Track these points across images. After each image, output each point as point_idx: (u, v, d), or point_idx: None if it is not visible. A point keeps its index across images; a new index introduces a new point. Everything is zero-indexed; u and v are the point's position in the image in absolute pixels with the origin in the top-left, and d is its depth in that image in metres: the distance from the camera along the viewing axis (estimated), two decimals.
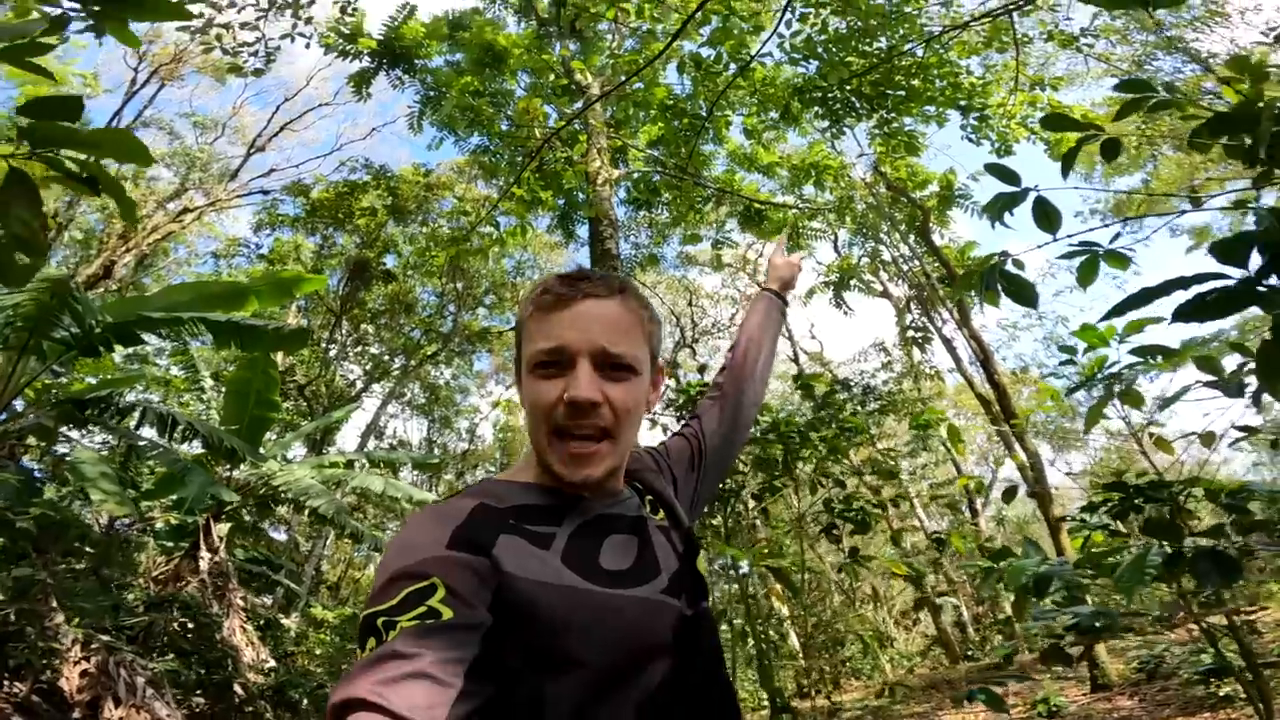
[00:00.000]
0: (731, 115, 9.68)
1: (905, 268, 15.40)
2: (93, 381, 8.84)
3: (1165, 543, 2.10)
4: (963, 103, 7.68)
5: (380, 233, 16.47)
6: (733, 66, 7.37)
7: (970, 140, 8.10)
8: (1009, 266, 1.82)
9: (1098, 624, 2.24)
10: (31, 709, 4.27)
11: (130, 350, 10.93)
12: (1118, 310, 1.31)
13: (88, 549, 5.75)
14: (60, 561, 5.17)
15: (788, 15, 6.08)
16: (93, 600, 4.98)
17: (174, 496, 7.28)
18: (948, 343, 14.99)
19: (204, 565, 7.06)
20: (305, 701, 6.83)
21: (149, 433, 6.86)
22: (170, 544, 8.18)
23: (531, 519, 0.89)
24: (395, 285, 17.39)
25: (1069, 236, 1.76)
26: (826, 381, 7.25)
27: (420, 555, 0.78)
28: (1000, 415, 10.28)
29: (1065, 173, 1.72)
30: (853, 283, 13.27)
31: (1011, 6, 5.60)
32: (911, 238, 13.34)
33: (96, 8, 1.23)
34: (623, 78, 7.96)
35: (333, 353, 17.95)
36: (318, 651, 10.38)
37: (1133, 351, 2.43)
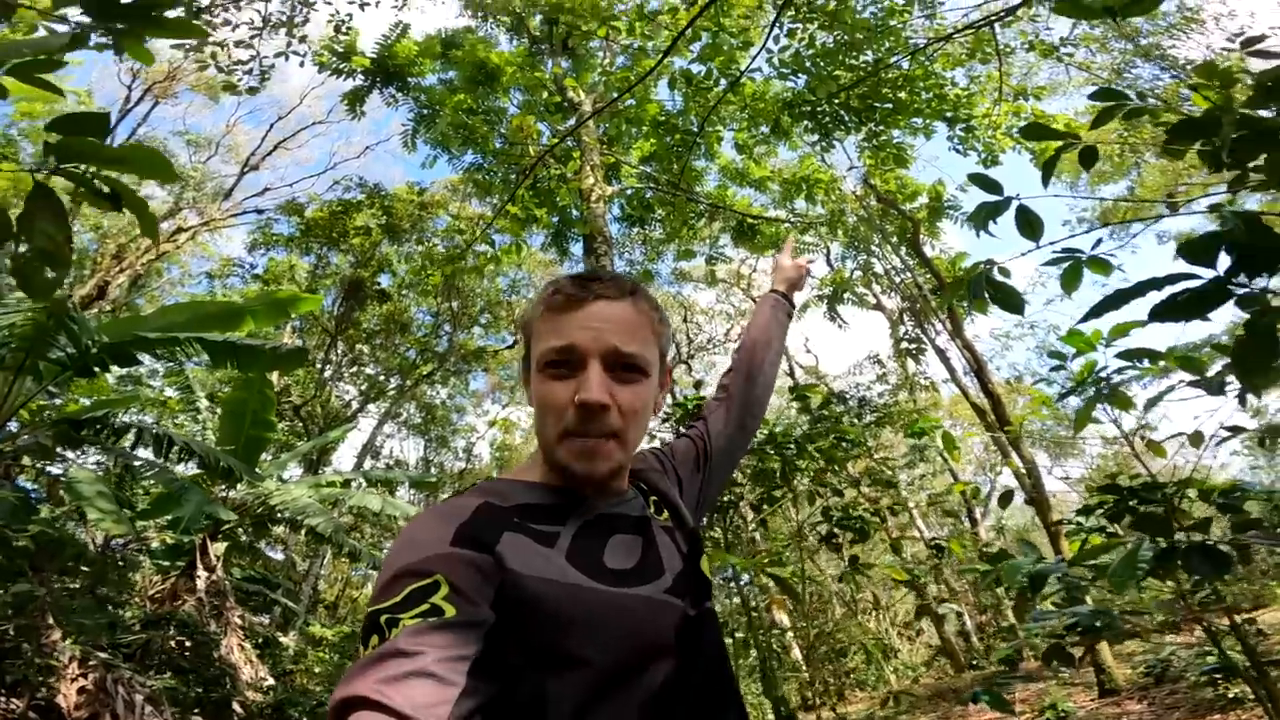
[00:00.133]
0: (723, 130, 9.76)
1: (897, 280, 15.50)
2: (87, 403, 8.81)
3: (1157, 539, 2.13)
4: (949, 114, 7.79)
5: (375, 252, 16.45)
6: (723, 82, 7.46)
7: (958, 151, 8.21)
8: (995, 274, 1.86)
9: (1097, 623, 2.26)
10: None
11: (124, 371, 10.90)
12: (1094, 312, 1.35)
13: (84, 568, 5.72)
14: (56, 580, 5.15)
15: (776, 31, 6.17)
16: (90, 617, 4.96)
17: (170, 516, 7.25)
18: (941, 353, 15.09)
19: (201, 584, 7.01)
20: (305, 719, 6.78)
21: (145, 453, 6.85)
22: (166, 563, 8.12)
23: (536, 518, 0.89)
24: (390, 305, 17.34)
25: (1051, 243, 1.81)
26: (822, 393, 7.27)
27: (424, 552, 0.78)
28: (995, 424, 10.33)
29: (1046, 181, 1.77)
30: (846, 296, 13.33)
31: (993, 18, 5.70)
32: (903, 250, 13.42)
33: (119, 25, 1.26)
34: (615, 94, 8.05)
35: (328, 373, 17.90)
36: (317, 670, 10.28)
37: (1119, 355, 2.47)
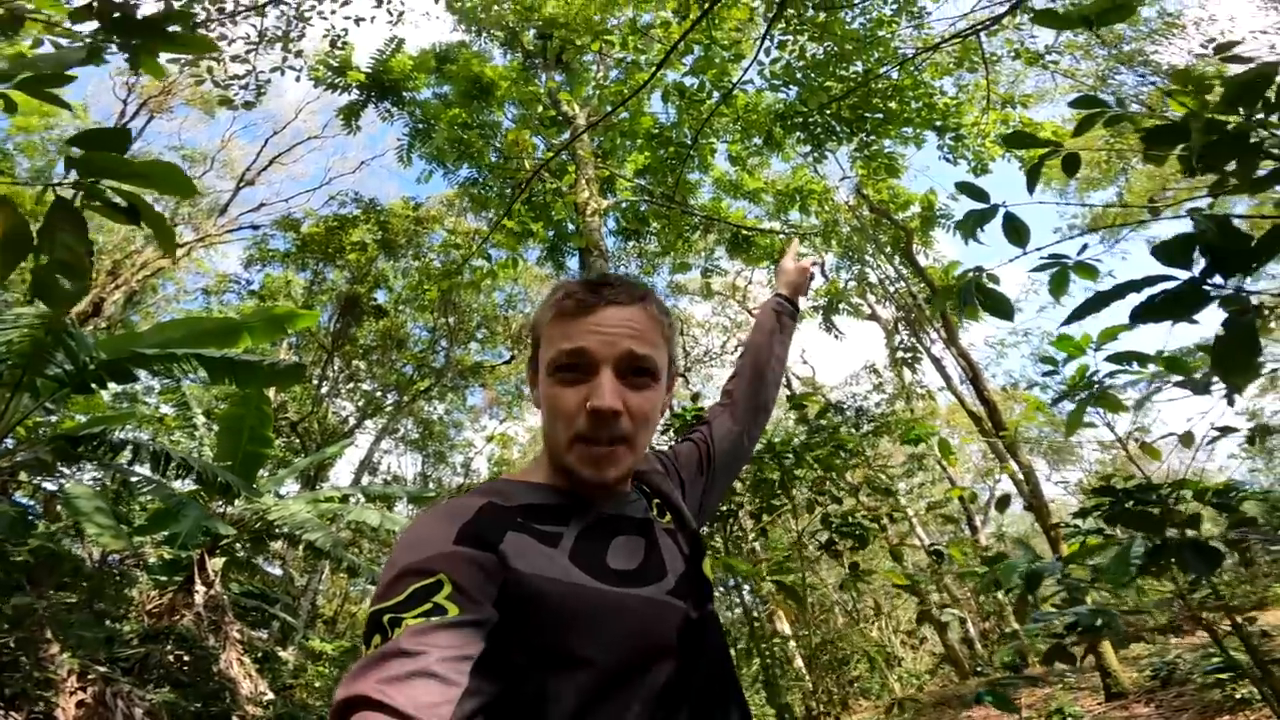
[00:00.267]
0: (716, 142, 9.81)
1: (892, 289, 15.57)
2: (83, 419, 8.80)
3: (1150, 536, 2.16)
4: (938, 123, 7.88)
5: (371, 267, 16.46)
6: (716, 94, 7.54)
7: (948, 160, 8.28)
8: (984, 281, 1.90)
9: (1097, 623, 2.28)
10: None
11: (120, 389, 10.89)
12: (1075, 316, 1.37)
13: (82, 582, 5.70)
14: (54, 594, 5.14)
15: (767, 43, 6.25)
16: (88, 631, 4.94)
17: (167, 531, 7.22)
18: (937, 362, 15.15)
19: (199, 599, 6.98)
20: None
21: (142, 469, 6.84)
22: (164, 578, 8.08)
23: (539, 518, 0.89)
24: (387, 320, 17.32)
25: (1038, 249, 1.85)
26: (819, 403, 7.29)
27: (427, 551, 0.78)
28: (992, 431, 10.37)
29: (1031, 188, 1.80)
30: (841, 306, 13.37)
31: (979, 27, 5.79)
32: (896, 259, 13.49)
33: (135, 42, 1.29)
34: (609, 108, 8.12)
35: (325, 389, 17.85)
36: (316, 684, 10.23)
37: (1109, 359, 2.51)
